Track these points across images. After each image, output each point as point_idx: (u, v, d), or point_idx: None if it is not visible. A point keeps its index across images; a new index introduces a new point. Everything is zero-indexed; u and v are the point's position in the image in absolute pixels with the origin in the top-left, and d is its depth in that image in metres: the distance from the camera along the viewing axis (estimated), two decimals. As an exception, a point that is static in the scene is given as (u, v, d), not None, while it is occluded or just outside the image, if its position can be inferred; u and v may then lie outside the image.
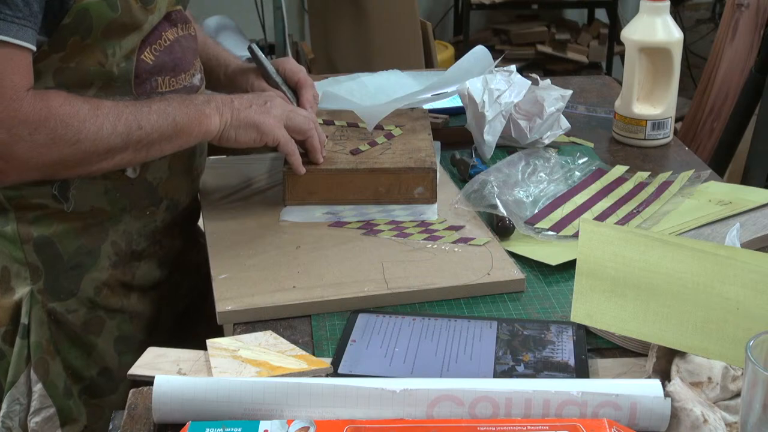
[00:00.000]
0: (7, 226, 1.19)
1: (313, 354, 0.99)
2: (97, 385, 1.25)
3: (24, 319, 1.20)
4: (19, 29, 1.01)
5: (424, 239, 1.20)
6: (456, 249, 1.17)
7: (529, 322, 1.03)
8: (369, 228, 1.23)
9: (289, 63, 1.36)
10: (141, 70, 1.15)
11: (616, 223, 1.24)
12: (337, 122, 1.42)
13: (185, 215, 1.33)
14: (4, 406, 1.22)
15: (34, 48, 1.04)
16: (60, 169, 1.09)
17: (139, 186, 1.22)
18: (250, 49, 1.33)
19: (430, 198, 1.28)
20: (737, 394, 0.86)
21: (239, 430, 0.79)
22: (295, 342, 1.00)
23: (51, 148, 1.05)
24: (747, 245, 1.14)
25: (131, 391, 0.91)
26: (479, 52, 1.50)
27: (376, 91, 1.60)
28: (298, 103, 1.32)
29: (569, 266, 1.12)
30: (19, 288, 1.20)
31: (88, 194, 1.18)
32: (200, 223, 1.34)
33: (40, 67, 1.08)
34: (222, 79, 1.40)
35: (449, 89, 1.51)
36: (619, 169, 1.40)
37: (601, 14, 4.35)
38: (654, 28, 1.49)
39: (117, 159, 1.11)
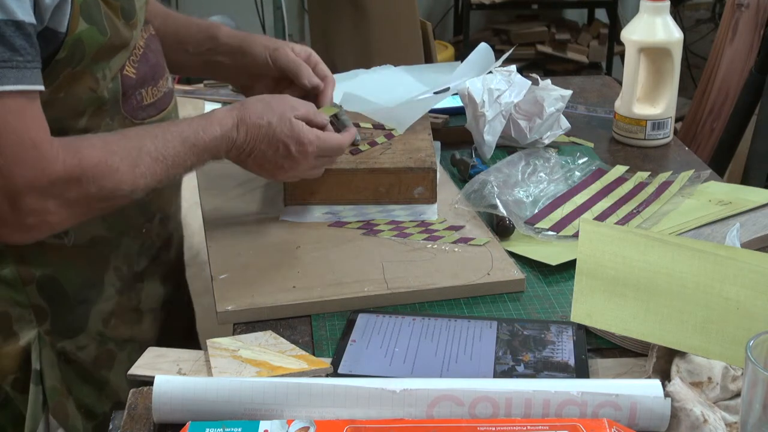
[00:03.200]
0: (5, 269, 1.11)
1: (313, 354, 0.99)
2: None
3: (35, 364, 1.14)
4: (32, 74, 0.93)
5: (424, 239, 1.20)
6: (456, 249, 1.17)
7: (529, 322, 1.03)
8: (369, 228, 1.23)
9: (311, 60, 1.27)
10: (127, 86, 1.09)
11: (616, 223, 1.24)
12: (362, 124, 1.40)
13: (177, 224, 1.31)
14: None
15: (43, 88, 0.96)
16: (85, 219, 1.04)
17: (132, 205, 1.13)
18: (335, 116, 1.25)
19: (430, 198, 1.28)
20: (737, 394, 0.86)
21: (239, 430, 0.79)
22: (295, 342, 1.00)
23: (82, 207, 1.00)
24: (747, 245, 1.14)
25: (131, 391, 0.91)
26: (482, 49, 1.50)
27: (391, 90, 1.58)
28: (319, 100, 1.24)
29: (569, 266, 1.12)
30: (24, 332, 1.14)
31: (87, 225, 1.11)
32: (199, 227, 1.32)
33: None
34: (212, 57, 1.28)
35: (461, 81, 1.48)
36: (619, 169, 1.40)
37: (601, 14, 4.35)
38: (654, 28, 1.49)
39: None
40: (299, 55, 1.26)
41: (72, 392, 1.17)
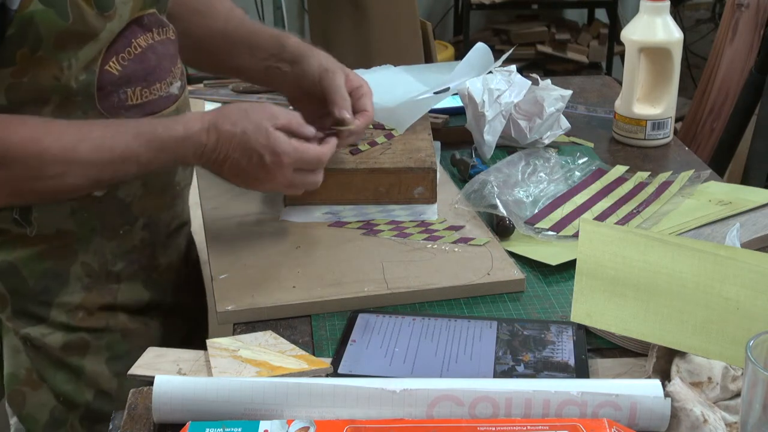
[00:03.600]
0: None
1: (313, 354, 0.99)
2: (97, 410, 1.16)
3: None
4: None
5: (424, 239, 1.20)
6: (456, 249, 1.17)
7: (529, 322, 1.03)
8: (369, 228, 1.23)
9: (350, 78, 1.23)
10: (105, 81, 1.05)
11: (616, 223, 1.23)
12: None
13: (172, 233, 1.25)
14: None
15: None
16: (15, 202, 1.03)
17: (109, 205, 1.12)
18: None
19: (430, 198, 1.28)
20: (737, 394, 0.86)
21: (239, 430, 0.79)
22: (295, 342, 1.00)
23: (8, 187, 0.99)
24: (747, 245, 1.14)
25: (131, 391, 0.91)
26: (480, 49, 1.50)
27: (391, 90, 1.58)
28: (356, 110, 1.19)
29: (569, 266, 1.12)
30: None
31: (53, 216, 1.09)
32: (199, 227, 1.29)
33: None
34: (275, 72, 1.25)
35: (460, 81, 1.48)
36: (619, 169, 1.40)
37: (601, 14, 4.35)
38: (654, 28, 1.49)
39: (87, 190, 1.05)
40: (351, 82, 1.21)
41: (47, 380, 1.15)
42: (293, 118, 1.10)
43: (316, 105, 1.22)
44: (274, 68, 1.26)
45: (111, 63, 1.05)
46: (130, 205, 1.15)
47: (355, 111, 1.19)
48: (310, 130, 1.11)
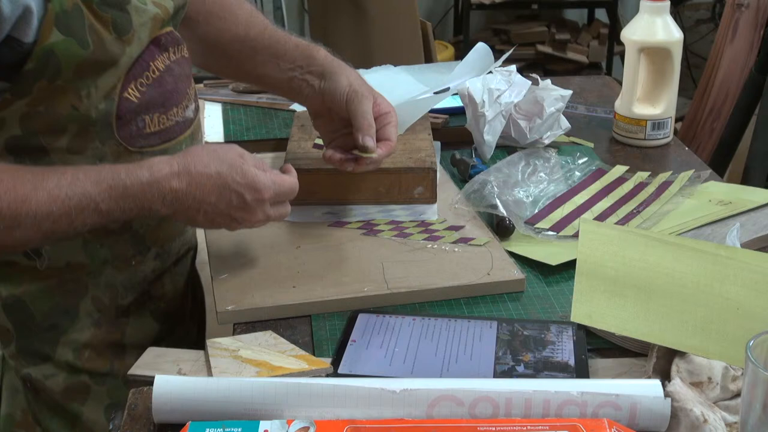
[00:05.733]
0: None
1: (313, 354, 0.99)
2: None
3: None
4: None
5: (424, 239, 1.20)
6: (456, 249, 1.17)
7: (529, 322, 1.03)
8: (369, 228, 1.23)
9: (378, 103, 1.18)
10: (124, 109, 1.00)
11: (616, 223, 1.24)
12: None
13: (180, 259, 1.21)
14: None
15: None
16: None
17: (123, 236, 1.08)
18: None
19: (430, 198, 1.28)
20: (737, 394, 0.86)
21: (239, 430, 0.79)
22: (295, 342, 1.00)
23: None
24: (747, 245, 1.14)
25: (131, 391, 0.91)
26: (481, 49, 1.50)
27: (391, 90, 1.58)
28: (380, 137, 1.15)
29: (569, 266, 1.12)
30: None
31: (64, 249, 1.04)
32: (199, 233, 1.27)
33: (3, 115, 0.95)
34: (302, 90, 1.21)
35: (460, 81, 1.48)
36: (619, 169, 1.40)
37: (601, 14, 4.35)
38: (654, 28, 1.49)
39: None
40: (378, 107, 1.17)
41: (41, 423, 1.10)
42: (256, 156, 1.07)
43: (338, 123, 1.20)
44: (300, 80, 1.21)
45: (130, 89, 1.01)
46: (144, 235, 1.11)
47: (379, 139, 1.15)
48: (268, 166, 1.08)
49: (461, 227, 1.23)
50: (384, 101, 1.19)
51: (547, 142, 1.47)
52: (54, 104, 0.96)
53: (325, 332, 1.03)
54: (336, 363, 0.95)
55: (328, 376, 0.93)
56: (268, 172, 1.04)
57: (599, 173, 1.39)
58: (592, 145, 1.52)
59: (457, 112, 1.60)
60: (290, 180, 1.07)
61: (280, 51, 1.22)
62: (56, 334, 1.08)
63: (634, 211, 1.28)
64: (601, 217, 1.26)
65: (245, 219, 1.04)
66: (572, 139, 1.53)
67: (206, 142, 1.04)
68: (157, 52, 1.04)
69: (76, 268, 1.06)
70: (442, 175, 1.37)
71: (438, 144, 1.47)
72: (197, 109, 1.14)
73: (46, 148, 0.98)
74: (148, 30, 1.01)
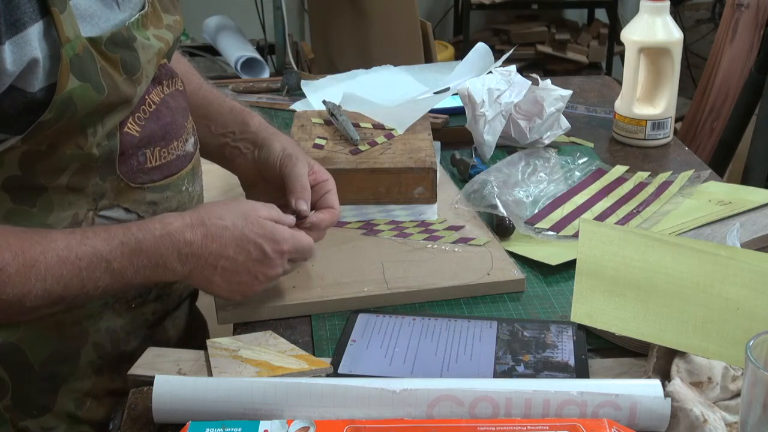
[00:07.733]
0: None
1: (313, 354, 0.99)
2: None
3: None
4: None
5: (424, 239, 1.20)
6: (456, 249, 1.17)
7: (529, 322, 1.03)
8: (369, 228, 1.23)
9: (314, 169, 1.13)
10: (126, 145, 0.96)
11: (616, 223, 1.24)
12: (362, 124, 1.39)
13: (183, 300, 1.15)
14: None
15: None
16: None
17: None
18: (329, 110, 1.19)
19: (430, 198, 1.28)
20: (737, 394, 0.87)
21: (239, 430, 0.79)
22: (295, 342, 1.00)
23: None
24: (747, 245, 1.14)
25: (131, 391, 0.91)
26: (480, 49, 1.50)
27: (391, 90, 1.58)
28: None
29: (569, 266, 1.12)
30: None
31: None
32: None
33: (2, 156, 0.90)
34: (235, 156, 1.15)
35: (460, 81, 1.47)
36: (619, 169, 1.40)
37: (601, 14, 4.35)
38: (654, 28, 1.49)
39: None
40: (315, 174, 1.11)
41: None
42: (272, 207, 1.02)
43: (274, 193, 1.13)
44: (233, 147, 1.17)
45: (129, 124, 0.96)
46: None
47: (320, 207, 1.10)
48: (290, 219, 1.03)
49: (461, 227, 1.23)
50: (321, 169, 1.13)
51: (547, 142, 1.47)
52: (58, 143, 0.91)
53: (325, 332, 1.03)
54: (336, 363, 0.95)
55: (328, 376, 0.93)
56: (284, 225, 1.00)
57: (599, 173, 1.39)
58: (592, 145, 1.52)
59: (457, 112, 1.60)
60: (307, 237, 1.03)
61: (212, 113, 1.18)
62: (55, 384, 1.01)
63: (634, 211, 1.28)
64: (601, 217, 1.26)
65: (266, 275, 0.99)
66: (572, 139, 1.53)
67: (214, 202, 1.01)
68: (152, 86, 1.00)
69: (75, 313, 1.00)
70: (442, 175, 1.37)
71: (438, 144, 1.47)
72: (197, 143, 1.10)
73: (46, 186, 0.94)
74: (153, 66, 0.98)
